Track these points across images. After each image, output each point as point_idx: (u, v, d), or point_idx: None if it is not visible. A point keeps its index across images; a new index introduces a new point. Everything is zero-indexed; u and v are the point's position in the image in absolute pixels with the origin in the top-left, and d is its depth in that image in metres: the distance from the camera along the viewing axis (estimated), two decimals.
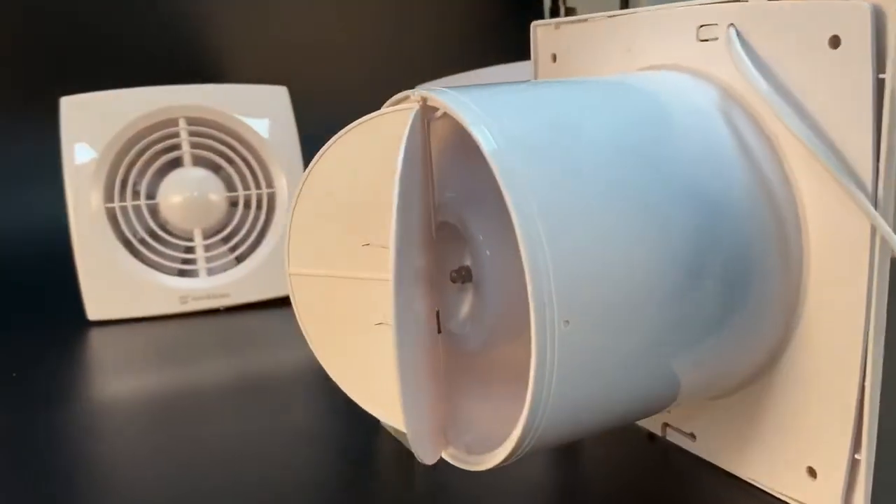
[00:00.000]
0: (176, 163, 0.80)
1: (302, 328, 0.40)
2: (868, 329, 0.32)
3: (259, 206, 0.81)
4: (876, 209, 0.31)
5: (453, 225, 0.36)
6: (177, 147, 0.79)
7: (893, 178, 0.31)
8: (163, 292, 0.77)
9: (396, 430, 0.48)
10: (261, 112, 0.80)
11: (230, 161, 0.80)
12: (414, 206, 0.33)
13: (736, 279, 0.33)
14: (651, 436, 0.46)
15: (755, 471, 0.39)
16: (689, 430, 0.43)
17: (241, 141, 0.80)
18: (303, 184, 0.38)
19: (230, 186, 0.80)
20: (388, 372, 0.37)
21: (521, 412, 0.40)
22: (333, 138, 0.36)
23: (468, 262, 0.36)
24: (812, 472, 0.36)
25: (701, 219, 0.32)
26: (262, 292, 0.80)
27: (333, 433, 0.51)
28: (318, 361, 0.65)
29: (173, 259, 0.79)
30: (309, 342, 0.39)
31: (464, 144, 0.36)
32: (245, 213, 0.81)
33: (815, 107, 0.33)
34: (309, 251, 0.39)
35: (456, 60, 0.88)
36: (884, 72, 0.30)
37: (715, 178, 0.33)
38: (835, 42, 0.31)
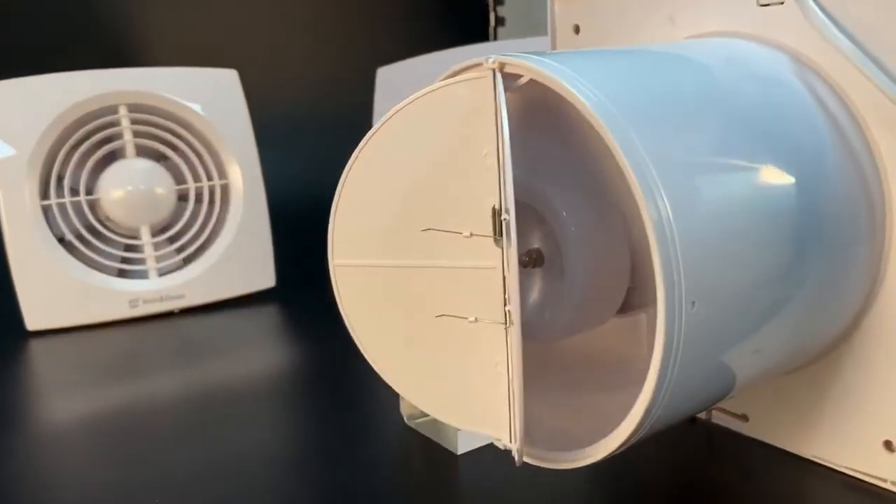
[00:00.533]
0: (116, 155, 0.73)
1: (347, 324, 0.36)
2: None
3: (212, 199, 0.75)
4: None
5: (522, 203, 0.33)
6: (117, 137, 0.72)
7: None
8: (109, 296, 0.71)
9: (424, 426, 0.45)
10: (210, 97, 0.74)
11: (177, 151, 0.74)
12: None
13: (832, 247, 0.32)
14: (693, 419, 0.44)
15: (821, 448, 0.38)
16: (740, 412, 0.41)
17: (189, 129, 0.74)
18: (351, 166, 0.34)
19: (178, 178, 0.74)
20: (449, 367, 0.34)
21: (584, 403, 0.38)
22: (390, 112, 0.33)
23: (537, 245, 0.33)
24: (889, 446, 0.35)
25: (802, 187, 0.30)
26: (220, 292, 0.75)
27: (310, 446, 0.47)
28: (284, 366, 0.61)
29: (115, 258, 0.72)
30: (356, 339, 0.36)
31: (528, 118, 0.33)
32: (197, 207, 0.75)
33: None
34: (355, 240, 0.35)
35: (409, 44, 0.84)
36: None
37: (809, 146, 0.32)
38: None
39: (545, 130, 0.33)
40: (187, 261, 0.75)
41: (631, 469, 0.40)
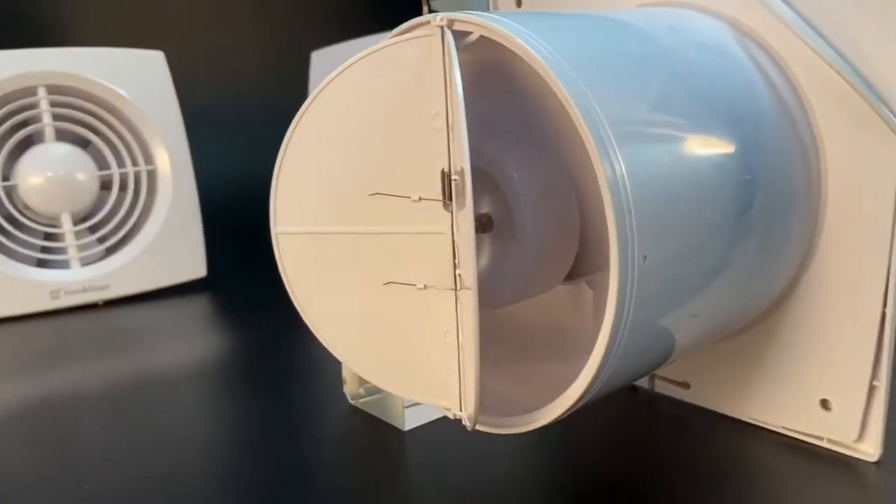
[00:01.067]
0: (34, 139, 0.69)
1: (290, 293, 0.34)
2: (892, 254, 0.33)
3: (137, 186, 0.72)
4: None
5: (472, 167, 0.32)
6: (36, 120, 0.68)
7: None
8: (29, 287, 0.67)
9: (369, 405, 0.44)
10: (135, 79, 0.71)
11: (100, 135, 0.71)
12: None
13: (771, 208, 0.32)
14: (634, 388, 0.45)
15: (759, 410, 0.39)
16: (681, 379, 0.42)
17: (114, 112, 0.71)
18: (293, 129, 0.33)
19: (102, 164, 0.71)
20: (397, 337, 0.33)
21: (529, 371, 0.38)
22: (334, 73, 0.32)
23: (486, 210, 0.33)
24: (825, 405, 0.37)
25: (744, 149, 0.31)
26: (147, 282, 0.72)
27: (251, 430, 0.45)
28: (219, 355, 0.59)
29: (34, 248, 0.69)
30: (299, 309, 0.34)
31: (477, 79, 0.33)
32: (121, 194, 0.72)
33: (838, 34, 0.33)
34: (298, 207, 0.34)
35: (341, 32, 0.83)
36: None
37: (750, 111, 0.32)
38: None
39: (494, 92, 0.32)
40: (111, 250, 0.72)
41: (575, 438, 0.40)
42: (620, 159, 0.26)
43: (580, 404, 0.30)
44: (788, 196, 0.33)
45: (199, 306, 0.72)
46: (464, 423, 0.31)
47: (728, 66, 0.33)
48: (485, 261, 0.33)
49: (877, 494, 0.35)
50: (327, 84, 0.32)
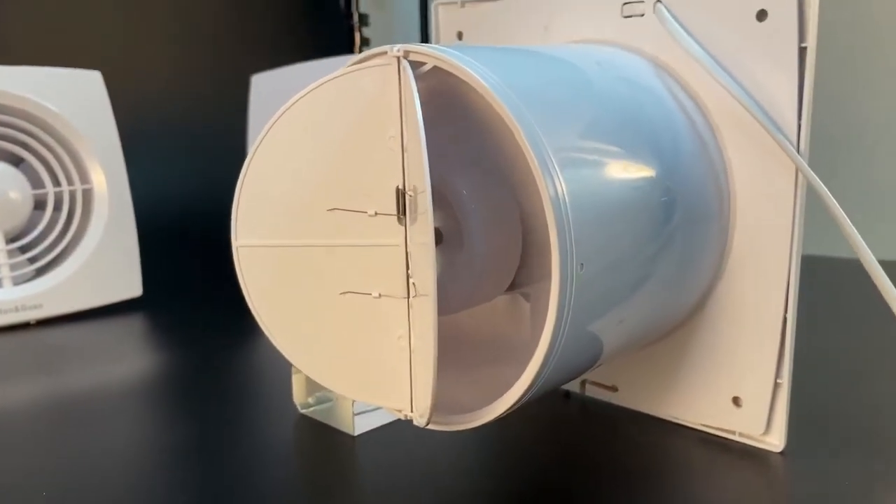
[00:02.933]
0: None
1: (250, 304, 0.36)
2: (791, 265, 0.37)
3: (72, 205, 0.72)
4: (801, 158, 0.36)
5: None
6: None
7: (809, 132, 0.36)
8: None
9: (319, 413, 0.46)
10: (72, 98, 0.72)
11: (35, 154, 0.71)
12: None
13: (689, 224, 0.36)
14: (567, 394, 0.48)
15: (679, 409, 0.43)
16: (610, 384, 0.46)
17: (49, 131, 0.71)
18: (256, 148, 0.35)
19: (36, 183, 0.71)
20: (353, 344, 0.36)
21: (472, 376, 0.40)
22: (296, 97, 0.34)
23: (436, 224, 0.36)
24: (737, 401, 0.41)
25: (664, 172, 0.35)
26: (82, 301, 0.72)
27: (197, 442, 0.46)
28: (159, 372, 0.60)
29: None
30: (258, 319, 0.36)
31: (429, 106, 0.36)
32: (56, 214, 0.72)
33: (741, 71, 0.37)
34: (258, 222, 0.36)
35: (277, 63, 0.85)
36: (804, 41, 0.35)
37: (669, 136, 0.36)
38: (762, 15, 0.36)
39: (445, 118, 0.35)
40: (43, 270, 0.71)
41: (515, 439, 0.43)
42: (562, 181, 0.29)
43: (521, 403, 0.33)
44: (703, 215, 0.38)
45: (135, 325, 0.72)
46: (415, 422, 0.34)
47: (649, 99, 0.37)
48: (437, 270, 0.36)
49: (782, 481, 0.39)
50: (290, 106, 0.34)
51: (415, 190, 0.31)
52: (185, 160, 0.89)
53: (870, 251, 0.36)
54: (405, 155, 0.32)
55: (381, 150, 0.33)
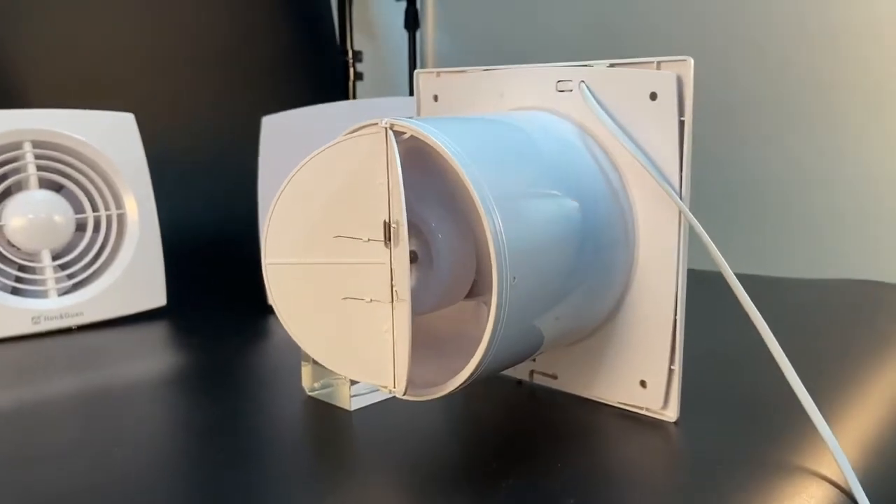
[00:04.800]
0: (20, 186, 0.81)
1: (276, 309, 0.49)
2: (678, 280, 0.50)
3: (108, 227, 0.84)
4: (682, 202, 0.49)
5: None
6: (21, 170, 0.80)
7: (689, 183, 0.49)
8: (12, 314, 0.78)
9: (323, 395, 0.58)
10: (109, 137, 0.84)
11: (77, 183, 0.83)
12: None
13: (602, 247, 0.49)
14: (519, 382, 0.61)
15: (602, 391, 0.56)
16: (551, 373, 0.58)
17: (90, 164, 0.83)
18: (283, 190, 0.47)
19: (77, 208, 0.83)
20: (352, 336, 0.48)
21: (440, 362, 0.53)
22: (313, 153, 0.47)
23: (413, 248, 0.48)
24: (643, 384, 0.53)
25: (584, 208, 0.48)
26: (116, 309, 0.84)
27: (218, 421, 0.56)
28: (175, 370, 0.71)
29: (9, 277, 0.80)
30: (282, 320, 0.49)
31: (408, 160, 0.49)
32: (94, 235, 0.84)
33: (640, 136, 0.50)
34: (282, 245, 0.48)
35: (278, 95, 0.98)
36: (683, 115, 0.48)
37: (588, 185, 0.49)
38: (653, 96, 0.49)
39: (419, 169, 0.48)
40: (83, 283, 0.83)
41: (473, 416, 0.56)
42: (499, 218, 0.42)
43: (471, 379, 0.45)
44: (612, 242, 0.50)
45: (160, 330, 0.84)
46: (396, 395, 0.46)
47: (575, 156, 0.50)
48: (412, 282, 0.49)
49: (675, 441, 0.51)
50: (307, 161, 0.47)
51: (397, 223, 0.44)
52: (204, 190, 1.02)
53: (729, 267, 0.49)
54: (389, 197, 0.45)
55: (373, 193, 0.45)
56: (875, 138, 1.12)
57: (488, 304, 0.53)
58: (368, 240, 0.46)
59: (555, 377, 0.58)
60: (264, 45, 1.27)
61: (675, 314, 0.51)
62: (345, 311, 0.48)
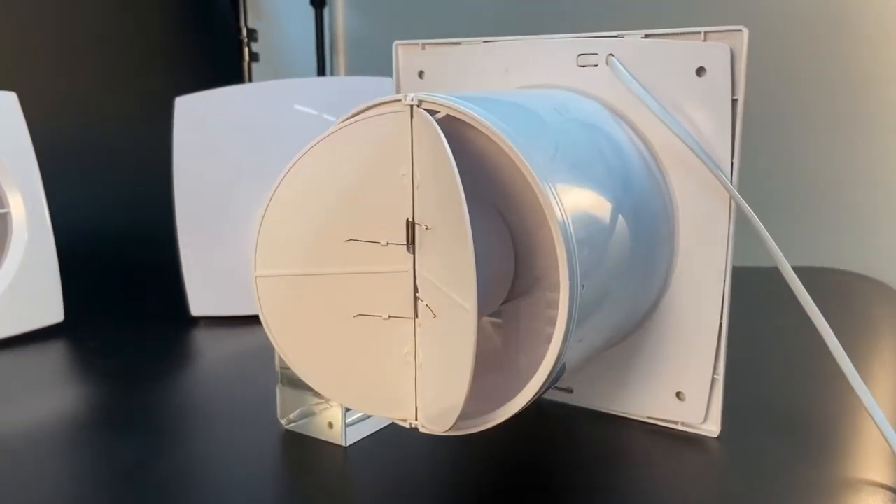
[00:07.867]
0: None
1: (266, 328, 0.39)
2: (725, 277, 0.45)
3: None
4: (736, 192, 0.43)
5: None
6: None
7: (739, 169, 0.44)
8: None
9: (304, 427, 0.48)
10: None
11: None
12: None
13: (652, 243, 0.43)
14: None
15: (628, 405, 0.49)
16: (566, 387, 0.52)
17: None
18: (276, 188, 0.38)
19: None
20: (363, 362, 0.39)
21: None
22: (315, 140, 0.37)
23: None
24: (680, 396, 0.48)
25: (636, 201, 0.41)
26: (2, 329, 0.69)
27: (189, 461, 0.47)
28: (77, 410, 0.58)
29: None
30: (275, 344, 0.39)
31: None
32: None
33: (683, 117, 0.44)
34: (277, 254, 0.39)
35: (171, 76, 0.85)
36: (736, 94, 0.43)
37: (634, 173, 0.43)
38: (700, 71, 0.43)
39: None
40: None
41: (481, 437, 0.48)
42: (567, 211, 0.35)
43: (540, 393, 0.37)
44: (659, 239, 0.44)
45: (59, 353, 0.71)
46: (420, 429, 0.38)
47: (621, 142, 0.43)
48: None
49: (718, 460, 0.46)
50: (310, 148, 0.37)
51: (425, 221, 0.35)
52: (104, 182, 0.87)
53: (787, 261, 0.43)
54: (414, 191, 0.36)
55: (394, 186, 0.37)
56: None
57: (504, 315, 0.46)
58: (388, 243, 0.37)
59: (570, 391, 0.52)
60: (154, 23, 1.11)
61: (721, 318, 0.45)
62: (353, 331, 0.39)
